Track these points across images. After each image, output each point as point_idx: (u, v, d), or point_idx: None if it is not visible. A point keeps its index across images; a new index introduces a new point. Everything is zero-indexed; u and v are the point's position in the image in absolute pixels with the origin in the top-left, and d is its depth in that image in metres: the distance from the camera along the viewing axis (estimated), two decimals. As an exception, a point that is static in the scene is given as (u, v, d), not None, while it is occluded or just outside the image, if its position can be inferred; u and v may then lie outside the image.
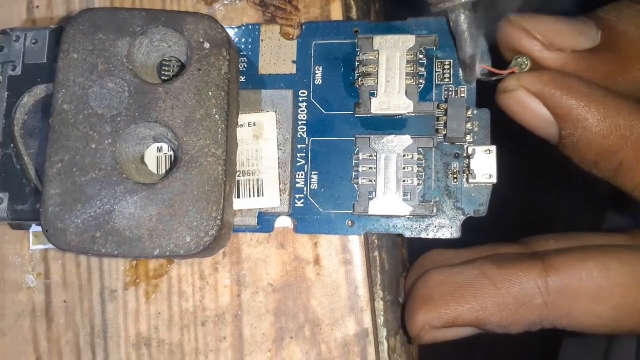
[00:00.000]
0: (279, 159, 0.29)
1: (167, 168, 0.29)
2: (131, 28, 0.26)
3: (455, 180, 0.28)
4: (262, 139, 0.29)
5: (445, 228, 0.28)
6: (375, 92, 0.28)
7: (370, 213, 0.27)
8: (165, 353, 0.29)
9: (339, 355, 0.28)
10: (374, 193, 0.28)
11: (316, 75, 0.29)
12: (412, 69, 0.28)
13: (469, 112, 0.28)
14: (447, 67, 0.28)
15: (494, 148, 0.27)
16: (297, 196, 0.29)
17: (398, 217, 0.28)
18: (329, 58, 0.29)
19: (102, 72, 0.26)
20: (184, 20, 0.26)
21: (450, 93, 0.28)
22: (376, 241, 0.30)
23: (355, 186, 0.28)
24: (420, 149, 0.28)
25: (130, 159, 0.27)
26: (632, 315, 0.24)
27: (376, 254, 0.29)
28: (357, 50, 0.28)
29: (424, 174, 0.28)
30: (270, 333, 0.29)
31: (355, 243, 0.29)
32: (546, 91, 0.24)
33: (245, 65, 0.30)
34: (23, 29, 0.30)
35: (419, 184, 0.28)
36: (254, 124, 0.29)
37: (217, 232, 0.25)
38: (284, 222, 0.29)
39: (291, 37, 0.30)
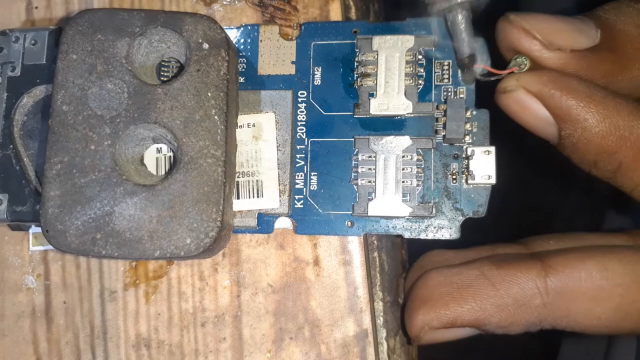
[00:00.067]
0: (278, 159, 0.29)
1: (167, 169, 0.29)
2: (130, 29, 0.26)
3: (455, 181, 0.28)
4: (262, 140, 0.29)
5: (445, 229, 0.28)
6: (374, 92, 0.28)
7: (369, 214, 0.27)
8: (165, 354, 0.29)
9: (338, 355, 0.28)
10: (373, 194, 0.28)
11: (315, 76, 0.29)
12: (411, 69, 0.28)
13: (468, 113, 0.28)
14: (446, 67, 0.28)
15: (493, 149, 0.27)
16: (297, 197, 0.29)
17: (397, 217, 0.28)
18: (328, 58, 0.29)
19: (101, 73, 0.26)
20: (182, 20, 0.26)
21: (449, 94, 0.28)
22: (375, 242, 0.30)
23: (355, 187, 0.28)
24: (419, 150, 0.28)
25: (130, 160, 0.27)
26: (632, 316, 0.24)
27: (375, 254, 0.29)
28: (356, 50, 0.28)
29: (423, 174, 0.28)
30: (270, 334, 0.29)
31: (355, 244, 0.29)
32: (545, 91, 0.24)
33: (244, 66, 0.30)
34: (22, 29, 0.30)
35: (418, 185, 0.28)
36: (253, 125, 0.29)
37: (217, 234, 0.25)
38: (284, 223, 0.29)
39: (290, 37, 0.30)
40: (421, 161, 0.28)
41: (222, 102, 0.26)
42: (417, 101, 0.28)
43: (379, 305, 0.29)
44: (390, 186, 0.27)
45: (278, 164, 0.29)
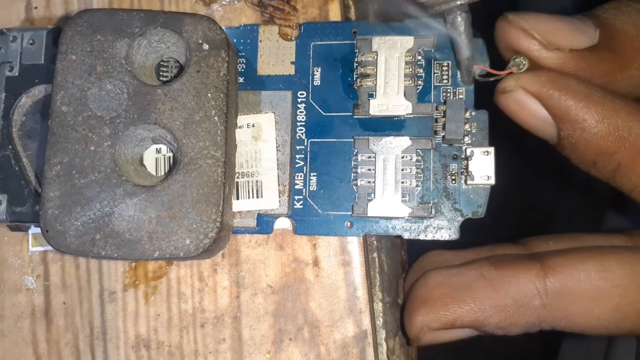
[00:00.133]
0: (277, 160, 0.29)
1: (166, 169, 0.29)
2: (129, 29, 0.26)
3: (454, 182, 0.28)
4: (261, 140, 0.29)
5: (444, 229, 0.28)
6: (374, 93, 0.28)
7: (368, 214, 0.28)
8: (165, 355, 0.29)
9: (337, 356, 0.28)
10: (372, 194, 0.28)
11: (315, 76, 0.29)
12: (411, 70, 0.28)
13: (467, 114, 0.28)
14: (445, 68, 0.28)
15: (492, 149, 0.27)
16: (296, 197, 0.29)
17: (397, 218, 0.28)
18: (327, 59, 0.29)
19: (100, 74, 0.26)
20: (182, 21, 0.26)
21: (449, 94, 0.28)
22: (375, 242, 0.30)
23: (354, 187, 0.28)
24: (418, 150, 0.28)
25: (129, 161, 0.27)
26: (631, 317, 0.24)
27: (375, 255, 0.29)
28: (356, 51, 0.28)
29: (422, 175, 0.28)
30: (269, 334, 0.29)
31: (354, 244, 0.29)
32: (544, 91, 0.24)
33: (244, 66, 0.30)
34: (20, 29, 0.29)
35: (417, 186, 0.28)
36: (253, 125, 0.29)
37: (216, 234, 0.25)
38: (283, 224, 0.29)
39: (289, 37, 0.30)
40: (420, 162, 0.28)
41: (222, 103, 0.26)
42: (416, 102, 0.28)
43: (379, 306, 0.29)
44: (390, 187, 0.27)
45: (277, 165, 0.29)
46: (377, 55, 0.28)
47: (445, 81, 0.28)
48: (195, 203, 0.25)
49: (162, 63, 0.29)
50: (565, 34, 0.25)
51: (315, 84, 0.29)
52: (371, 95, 0.28)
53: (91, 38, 0.26)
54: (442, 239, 0.28)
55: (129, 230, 0.25)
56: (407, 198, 0.27)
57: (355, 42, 0.29)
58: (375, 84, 0.28)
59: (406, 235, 0.28)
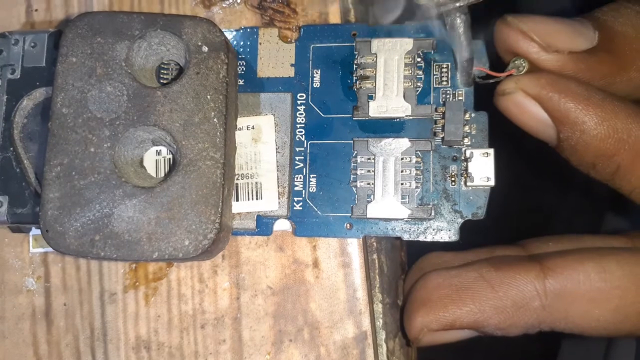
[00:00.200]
0: (277, 162, 0.29)
1: (166, 171, 0.29)
2: (130, 31, 0.26)
3: (453, 183, 0.28)
4: (261, 142, 0.29)
5: (443, 231, 0.28)
6: (373, 95, 0.28)
7: (368, 216, 0.28)
8: (165, 356, 0.29)
9: (337, 357, 0.28)
10: (372, 196, 0.28)
11: (314, 78, 0.29)
12: (410, 72, 0.28)
13: (467, 115, 0.28)
14: (444, 70, 0.28)
15: (491, 151, 0.27)
16: (296, 199, 0.29)
17: (396, 219, 0.28)
18: (327, 61, 0.29)
19: (100, 76, 0.26)
20: (182, 23, 0.26)
21: (448, 96, 0.28)
22: (375, 244, 0.30)
23: (354, 189, 0.28)
24: (418, 152, 0.28)
25: (129, 162, 0.27)
26: (631, 318, 0.24)
27: (375, 256, 0.29)
28: (355, 53, 0.29)
29: (422, 176, 0.28)
30: (269, 336, 0.29)
31: (354, 246, 0.29)
32: (544, 94, 0.24)
33: (244, 69, 0.30)
34: (22, 32, 0.30)
35: (417, 187, 0.28)
36: (253, 127, 0.29)
37: (216, 235, 0.25)
38: (283, 225, 0.29)
39: (289, 40, 0.30)
40: (420, 163, 0.28)
41: (222, 105, 0.26)
42: (415, 103, 0.28)
43: (378, 307, 0.29)
44: (389, 188, 0.27)
45: (277, 166, 0.29)
46: (376, 57, 0.28)
47: (444, 83, 0.28)
48: (194, 204, 0.25)
49: (162, 65, 0.29)
50: (564, 36, 0.25)
51: (314, 86, 0.29)
52: (370, 97, 0.28)
53: (91, 40, 0.26)
54: (441, 240, 0.28)
55: (128, 231, 0.25)
56: (407, 199, 0.28)
57: (354, 44, 0.29)
58: (375, 86, 0.28)
59: (406, 237, 0.28)
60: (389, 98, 0.28)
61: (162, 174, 0.29)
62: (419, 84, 0.28)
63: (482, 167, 0.27)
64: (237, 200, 0.28)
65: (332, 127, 0.29)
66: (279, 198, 0.28)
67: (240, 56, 0.30)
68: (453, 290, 0.25)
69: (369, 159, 0.28)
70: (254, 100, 0.29)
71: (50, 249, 0.29)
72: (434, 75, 0.28)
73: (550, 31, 0.25)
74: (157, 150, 0.29)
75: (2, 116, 0.29)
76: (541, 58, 0.25)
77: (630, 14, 0.26)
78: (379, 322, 0.29)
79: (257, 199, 0.28)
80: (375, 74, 0.28)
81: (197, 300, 0.29)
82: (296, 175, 0.29)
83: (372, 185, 0.28)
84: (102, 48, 0.26)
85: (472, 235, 0.28)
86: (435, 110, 0.28)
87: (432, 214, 0.27)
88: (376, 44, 0.28)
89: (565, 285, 0.23)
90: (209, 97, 0.26)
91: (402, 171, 0.28)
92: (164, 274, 0.30)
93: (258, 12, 0.31)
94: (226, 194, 0.26)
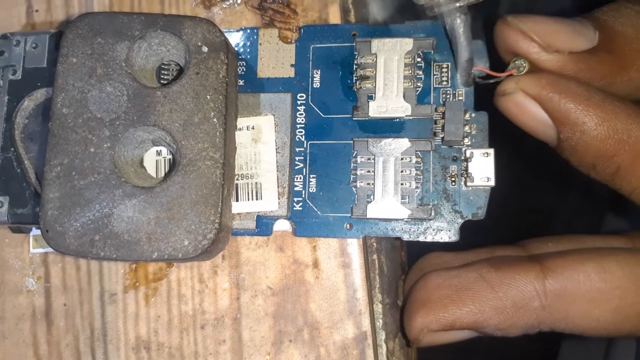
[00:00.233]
0: (277, 162, 0.29)
1: (166, 171, 0.29)
2: (130, 32, 0.26)
3: (453, 183, 0.28)
4: (261, 143, 0.29)
5: (444, 231, 0.28)
6: (373, 95, 0.28)
7: (368, 216, 0.28)
8: (165, 356, 0.29)
9: (337, 358, 0.28)
10: (372, 196, 0.28)
11: (314, 79, 0.29)
12: (410, 72, 0.28)
13: (467, 115, 0.28)
14: (444, 70, 0.28)
15: (491, 151, 0.27)
16: (296, 199, 0.29)
17: (396, 220, 0.28)
18: (327, 61, 0.29)
19: (100, 76, 0.26)
20: (182, 24, 0.26)
21: (448, 96, 0.28)
22: (375, 244, 0.30)
23: (354, 189, 0.28)
24: (418, 152, 0.28)
25: (129, 163, 0.27)
26: (631, 318, 0.24)
27: (375, 256, 0.29)
28: (355, 53, 0.29)
29: (422, 177, 0.28)
30: (269, 336, 0.29)
31: (354, 246, 0.29)
32: (544, 94, 0.24)
33: (244, 69, 0.30)
34: (23, 33, 0.30)
35: (417, 187, 0.28)
36: (253, 128, 0.29)
37: (215, 236, 0.25)
38: (283, 225, 0.29)
39: (289, 40, 0.30)
40: (420, 163, 0.28)
41: (221, 105, 0.26)
42: (415, 104, 0.28)
43: (378, 308, 0.29)
44: (389, 188, 0.27)
45: (277, 167, 0.29)
46: (376, 57, 0.28)
47: (444, 83, 0.28)
48: (194, 204, 0.25)
49: (163, 66, 0.29)
50: (564, 36, 0.25)
51: (314, 87, 0.29)
52: (370, 97, 0.28)
53: (92, 41, 0.26)
54: (441, 240, 0.28)
55: (127, 232, 0.25)
56: (407, 200, 0.28)
57: (354, 44, 0.29)
58: (375, 86, 0.28)
59: (406, 237, 0.28)
60: (389, 98, 0.28)
61: (163, 174, 0.29)
62: (419, 84, 0.28)
63: (482, 167, 0.27)
64: (237, 200, 0.28)
65: (332, 127, 0.29)
66: (278, 198, 0.28)
67: (240, 56, 0.30)
68: (453, 290, 0.25)
69: (369, 159, 0.28)
70: (254, 100, 0.29)
71: (50, 249, 0.29)
72: (434, 75, 0.28)
73: (551, 31, 0.25)
74: (157, 151, 0.29)
75: (4, 117, 0.29)
76: (541, 58, 0.25)
77: (631, 14, 0.26)
78: (379, 323, 0.29)
79: (257, 199, 0.28)
80: (375, 74, 0.28)
81: (197, 301, 0.29)
82: (296, 176, 0.29)
83: (372, 186, 0.28)
84: (103, 48, 0.26)
85: (472, 236, 0.28)
86: (435, 110, 0.28)
87: (432, 214, 0.27)
88: (376, 44, 0.28)
89: (565, 286, 0.23)
90: (208, 97, 0.26)
91: (402, 171, 0.28)
92: (164, 275, 0.30)
93: (258, 13, 0.31)
94: (226, 194, 0.26)
